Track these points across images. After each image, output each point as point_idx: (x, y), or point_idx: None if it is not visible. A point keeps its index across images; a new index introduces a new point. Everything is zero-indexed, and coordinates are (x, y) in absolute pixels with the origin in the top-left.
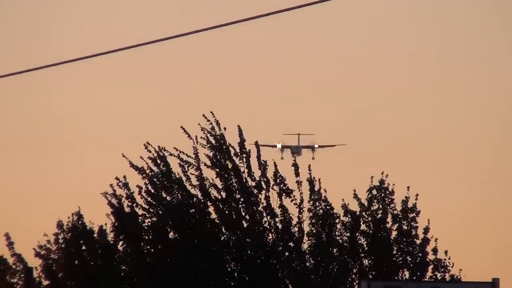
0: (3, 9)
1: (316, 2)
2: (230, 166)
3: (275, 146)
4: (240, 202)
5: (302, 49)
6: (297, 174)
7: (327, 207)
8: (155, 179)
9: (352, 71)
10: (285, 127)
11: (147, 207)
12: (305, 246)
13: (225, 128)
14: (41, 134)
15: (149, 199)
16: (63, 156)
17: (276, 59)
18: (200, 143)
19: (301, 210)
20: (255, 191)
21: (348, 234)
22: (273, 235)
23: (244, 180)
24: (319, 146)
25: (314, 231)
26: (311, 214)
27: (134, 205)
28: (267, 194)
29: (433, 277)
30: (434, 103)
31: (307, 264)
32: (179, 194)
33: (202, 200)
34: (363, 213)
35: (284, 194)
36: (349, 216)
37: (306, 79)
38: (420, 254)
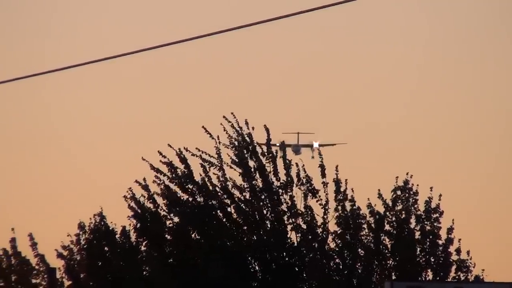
0: (22, 11)
1: (323, 6)
2: (255, 166)
3: (274, 145)
4: (264, 202)
5: (303, 48)
6: (323, 175)
7: (353, 207)
8: (177, 180)
9: (370, 69)
10: (285, 125)
11: (168, 208)
12: (330, 246)
13: (253, 128)
14: (64, 135)
15: (170, 200)
16: (86, 157)
17: (279, 58)
18: (223, 143)
19: (327, 211)
20: (280, 191)
21: (372, 234)
22: (297, 235)
23: (269, 179)
24: (319, 145)
25: (339, 231)
26: (337, 214)
27: (156, 206)
28: (291, 194)
29: (456, 277)
30: (459, 103)
31: (331, 264)
32: (201, 195)
33: (224, 201)
34: (387, 213)
35: (310, 194)
36: (374, 216)
37: (306, 77)
38: (443, 255)
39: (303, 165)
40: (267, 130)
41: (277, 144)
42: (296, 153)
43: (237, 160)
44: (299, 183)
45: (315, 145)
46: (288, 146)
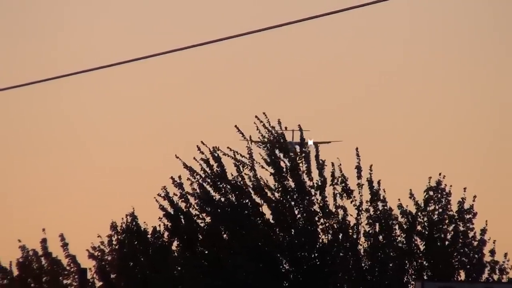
0: (51, 14)
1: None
2: (287, 166)
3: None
4: (296, 202)
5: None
6: (359, 176)
7: (385, 207)
8: (209, 180)
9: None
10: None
11: (200, 208)
12: (361, 247)
13: (286, 128)
14: (97, 135)
15: (202, 200)
16: (117, 157)
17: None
18: (255, 142)
19: (360, 212)
20: (313, 191)
21: (404, 234)
22: (328, 235)
23: (302, 179)
24: (314, 143)
25: (371, 231)
26: (368, 214)
27: (188, 205)
28: (324, 194)
29: (489, 279)
30: (494, 102)
31: (363, 264)
32: (233, 195)
33: (256, 201)
34: (419, 214)
35: (345, 194)
36: (406, 216)
37: (307, 75)
38: (476, 256)
39: (340, 164)
40: (301, 129)
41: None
42: (291, 152)
43: (268, 160)
44: (333, 183)
45: (310, 142)
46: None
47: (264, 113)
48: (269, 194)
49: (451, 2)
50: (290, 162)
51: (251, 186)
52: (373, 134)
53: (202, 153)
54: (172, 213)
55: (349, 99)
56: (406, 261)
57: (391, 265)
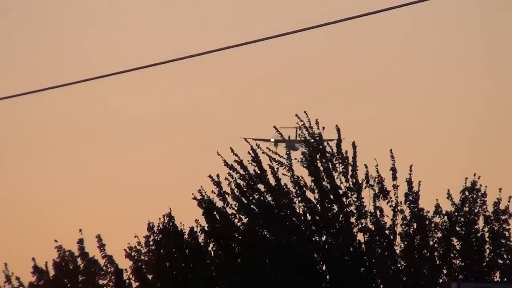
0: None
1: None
2: (324, 166)
3: (268, 140)
4: (333, 203)
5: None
6: (394, 177)
7: (417, 208)
8: (247, 178)
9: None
10: (280, 119)
11: (238, 207)
12: (397, 247)
13: (323, 128)
14: (132, 135)
15: (240, 199)
16: (155, 157)
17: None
18: (298, 143)
19: (396, 213)
20: (349, 192)
21: (440, 235)
22: (364, 236)
23: (338, 180)
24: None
25: (407, 232)
26: (403, 215)
27: (226, 204)
28: (361, 195)
29: None
30: None
31: (399, 265)
32: (270, 194)
33: (293, 200)
34: (455, 214)
35: (381, 195)
36: (442, 217)
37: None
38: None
39: (377, 165)
40: (338, 130)
41: (272, 140)
42: (291, 149)
43: (305, 161)
44: (368, 184)
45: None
46: (282, 141)
47: (305, 111)
48: (305, 194)
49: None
50: (327, 163)
51: (289, 186)
52: (410, 135)
53: (247, 153)
54: (209, 213)
55: (383, 100)
56: (442, 262)
57: (426, 265)
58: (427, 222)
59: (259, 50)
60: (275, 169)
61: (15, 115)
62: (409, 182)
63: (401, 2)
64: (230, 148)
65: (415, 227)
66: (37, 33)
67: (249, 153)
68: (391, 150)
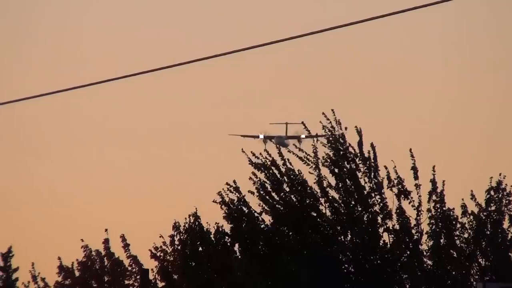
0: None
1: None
2: (348, 167)
3: (257, 137)
4: (357, 203)
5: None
6: (416, 177)
7: (443, 208)
8: (272, 179)
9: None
10: (272, 115)
11: (262, 208)
12: (423, 247)
13: (346, 128)
14: (159, 135)
15: (265, 199)
16: (180, 157)
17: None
18: (321, 141)
19: (419, 212)
20: (372, 193)
21: (466, 235)
22: (390, 236)
23: (361, 181)
24: (306, 137)
25: (433, 232)
26: (430, 214)
27: (249, 206)
28: (384, 196)
29: None
30: None
31: (425, 265)
32: (294, 195)
33: (318, 201)
34: (481, 214)
35: (402, 195)
36: (468, 217)
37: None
38: None
39: (395, 166)
40: (359, 131)
41: (261, 137)
42: (281, 146)
43: (329, 161)
44: (390, 185)
45: (302, 136)
46: (271, 138)
47: (332, 110)
48: (330, 193)
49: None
50: (349, 163)
51: (314, 186)
52: (432, 135)
53: (257, 157)
54: (233, 214)
55: (406, 101)
56: (468, 262)
57: (453, 265)
58: (453, 222)
59: (268, 52)
60: (295, 171)
61: (44, 116)
62: (433, 182)
63: (422, 2)
64: (251, 152)
65: (440, 226)
66: (37, 36)
67: (268, 153)
68: (410, 149)
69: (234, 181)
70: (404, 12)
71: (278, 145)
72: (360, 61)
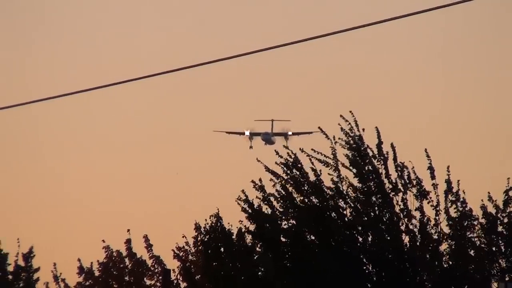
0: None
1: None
2: (367, 168)
3: (243, 134)
4: (377, 204)
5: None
6: (433, 177)
7: (465, 208)
8: (291, 181)
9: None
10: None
11: (283, 209)
12: (442, 247)
13: (363, 129)
14: (180, 137)
15: (285, 201)
16: (202, 158)
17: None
18: (340, 143)
19: (438, 212)
20: (392, 193)
21: (484, 235)
22: (410, 237)
23: (381, 182)
24: (293, 133)
25: (451, 233)
26: (448, 215)
27: (272, 207)
28: (404, 196)
29: None
30: None
31: (445, 265)
32: (315, 196)
33: (339, 202)
34: (499, 215)
35: (420, 196)
36: (486, 217)
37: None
38: None
39: (413, 167)
40: (378, 132)
41: (247, 134)
42: (267, 143)
43: (349, 162)
44: (410, 185)
45: (289, 133)
46: (257, 135)
47: (351, 111)
48: (350, 194)
49: None
50: (369, 164)
51: (334, 187)
52: (451, 136)
53: (281, 157)
54: (255, 215)
55: (424, 100)
56: (487, 262)
57: (472, 266)
58: (470, 222)
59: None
60: (317, 172)
61: (67, 117)
62: (448, 182)
63: (442, 2)
64: (275, 150)
65: (458, 227)
66: (38, 39)
67: (293, 157)
68: (426, 149)
69: (260, 179)
70: (424, 12)
71: (264, 142)
72: (365, 63)
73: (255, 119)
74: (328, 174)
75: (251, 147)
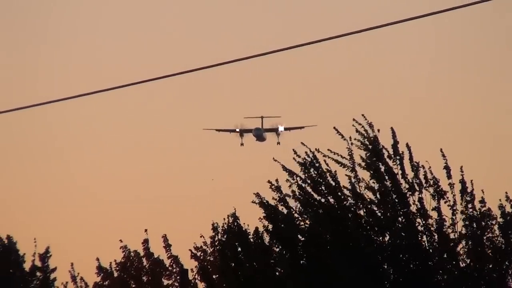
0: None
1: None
2: (383, 168)
3: (234, 131)
4: (393, 204)
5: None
6: (449, 176)
7: (483, 208)
8: (308, 181)
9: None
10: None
11: (300, 210)
12: (460, 247)
13: (378, 130)
14: (198, 139)
15: (303, 201)
16: (219, 158)
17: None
18: (355, 144)
19: (454, 212)
20: (408, 193)
21: (502, 235)
22: (427, 237)
23: (397, 182)
24: (285, 129)
25: (468, 233)
26: (463, 216)
27: (289, 207)
28: (420, 196)
29: None
30: None
31: (462, 265)
32: (332, 196)
33: (356, 202)
34: None
35: (437, 196)
36: (505, 217)
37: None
38: None
39: (430, 167)
40: (393, 132)
41: (237, 130)
42: (258, 139)
43: (365, 163)
44: (427, 185)
45: (281, 128)
46: (248, 131)
47: (363, 114)
48: (366, 195)
49: None
50: (384, 165)
51: (350, 188)
52: (466, 136)
53: (299, 156)
54: (272, 215)
55: (440, 101)
56: (505, 262)
57: (489, 265)
58: (487, 222)
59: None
60: (332, 173)
61: (84, 118)
62: (462, 182)
63: (460, 3)
64: (293, 150)
65: (474, 226)
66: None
67: (311, 156)
68: (441, 149)
69: (277, 180)
70: (436, 14)
71: (256, 138)
72: (379, 63)
73: (244, 116)
74: (345, 175)
75: (242, 144)
